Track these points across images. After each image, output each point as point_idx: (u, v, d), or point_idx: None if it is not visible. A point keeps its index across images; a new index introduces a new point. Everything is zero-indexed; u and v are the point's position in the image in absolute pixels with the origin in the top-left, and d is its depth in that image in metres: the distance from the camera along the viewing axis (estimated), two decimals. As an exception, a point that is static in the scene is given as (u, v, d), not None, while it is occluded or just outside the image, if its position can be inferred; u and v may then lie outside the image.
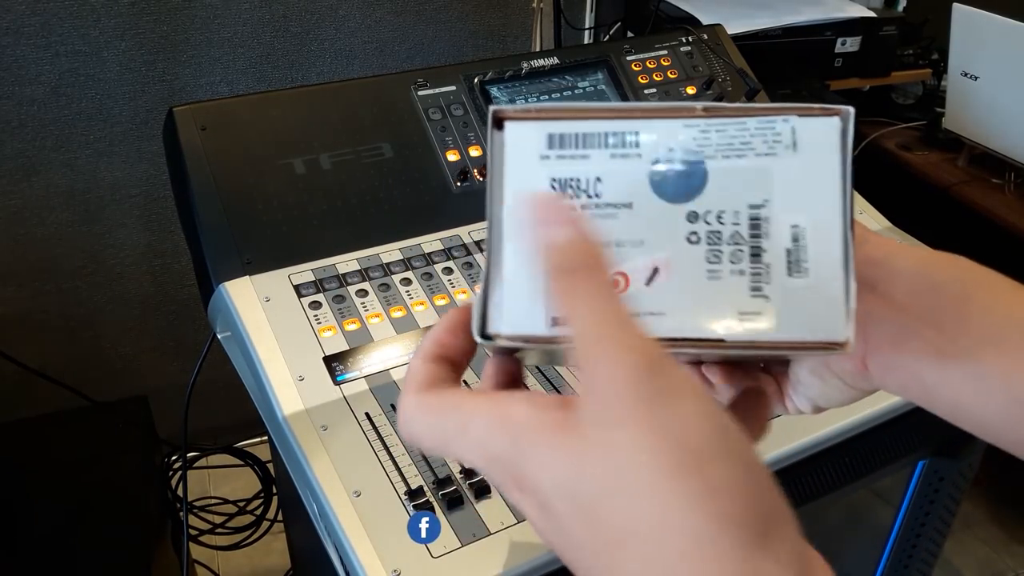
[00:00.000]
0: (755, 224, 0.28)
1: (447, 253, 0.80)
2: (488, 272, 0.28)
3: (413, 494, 0.59)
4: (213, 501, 1.43)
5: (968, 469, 0.90)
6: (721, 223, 0.28)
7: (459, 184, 0.84)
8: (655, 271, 0.28)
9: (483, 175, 0.86)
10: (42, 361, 1.21)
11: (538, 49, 1.55)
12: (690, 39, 1.03)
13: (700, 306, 0.28)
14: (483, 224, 0.28)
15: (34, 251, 1.39)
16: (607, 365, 0.22)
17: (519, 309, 0.28)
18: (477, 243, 0.81)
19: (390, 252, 0.79)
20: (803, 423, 0.70)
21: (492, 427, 0.24)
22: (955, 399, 0.32)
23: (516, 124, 0.28)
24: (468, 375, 0.61)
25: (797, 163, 0.28)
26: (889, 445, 0.77)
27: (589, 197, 0.28)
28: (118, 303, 1.50)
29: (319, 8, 1.42)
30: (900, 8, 1.71)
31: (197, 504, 1.41)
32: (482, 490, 0.60)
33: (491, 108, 0.29)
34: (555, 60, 0.95)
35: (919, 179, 1.54)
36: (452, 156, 0.86)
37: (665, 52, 1.01)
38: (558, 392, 0.69)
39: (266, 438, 1.49)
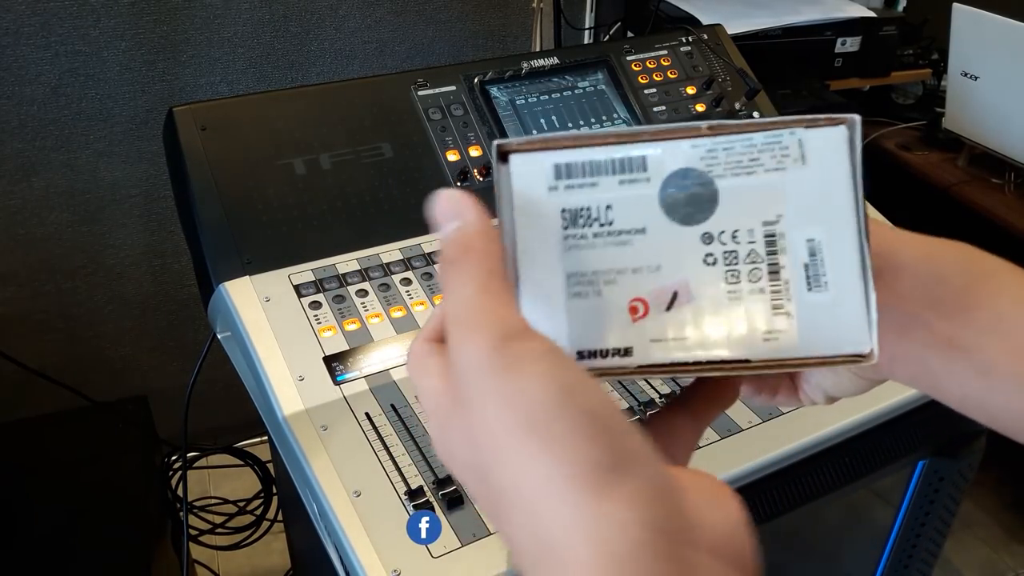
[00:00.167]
0: (771, 241, 0.28)
1: (447, 253, 0.80)
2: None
3: (413, 494, 0.59)
4: (213, 501, 1.43)
5: (968, 469, 0.90)
6: (736, 242, 0.27)
7: (459, 184, 0.84)
8: (675, 295, 0.28)
9: (483, 175, 0.86)
10: (42, 361, 1.21)
11: (538, 49, 1.55)
12: (690, 39, 1.03)
13: (722, 328, 0.28)
14: None
15: (34, 251, 1.39)
16: (460, 347, 0.23)
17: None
18: (477, 243, 0.81)
19: (390, 252, 0.79)
20: (803, 423, 0.70)
21: (425, 397, 0.27)
22: (963, 390, 0.32)
23: (521, 156, 0.28)
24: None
25: (807, 176, 0.28)
26: (889, 445, 0.77)
27: (601, 225, 0.28)
28: (118, 303, 1.50)
29: (319, 8, 1.42)
30: (900, 8, 1.71)
31: (197, 504, 1.41)
32: (482, 490, 0.60)
33: (494, 143, 0.28)
34: (555, 60, 0.95)
35: (919, 179, 1.54)
36: (452, 156, 0.86)
37: (665, 52, 1.01)
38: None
39: (266, 438, 1.49)
